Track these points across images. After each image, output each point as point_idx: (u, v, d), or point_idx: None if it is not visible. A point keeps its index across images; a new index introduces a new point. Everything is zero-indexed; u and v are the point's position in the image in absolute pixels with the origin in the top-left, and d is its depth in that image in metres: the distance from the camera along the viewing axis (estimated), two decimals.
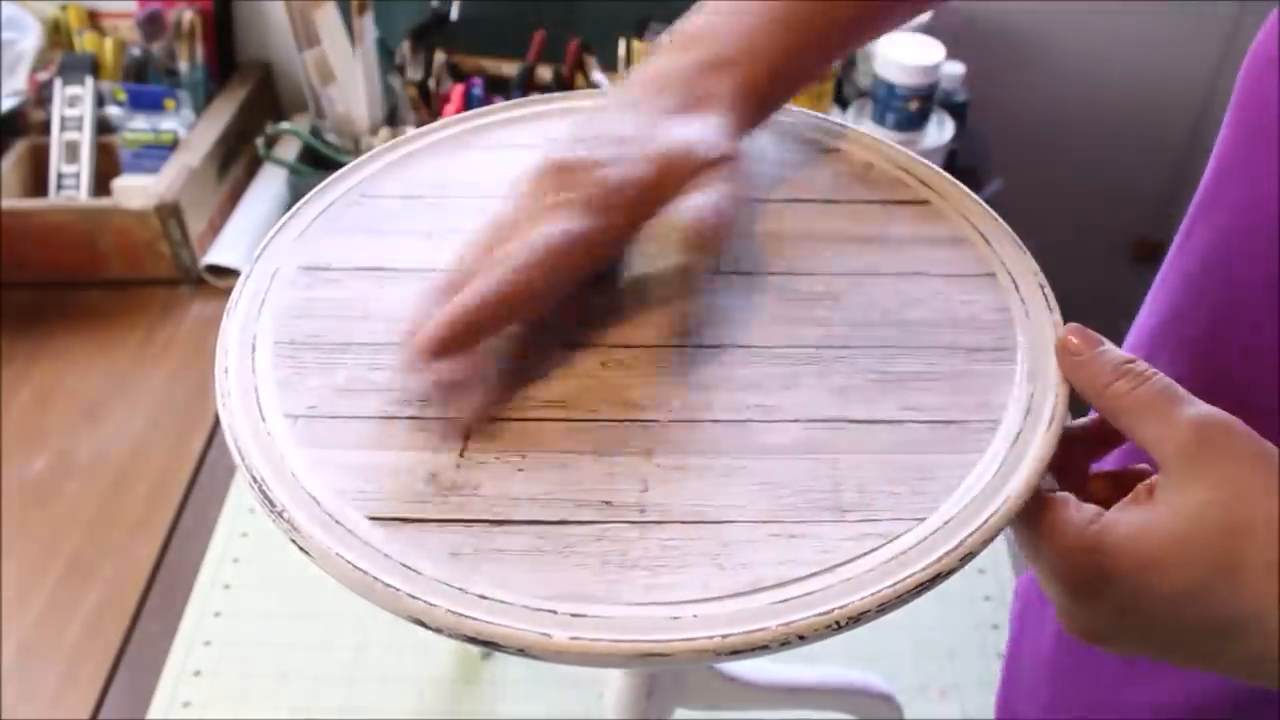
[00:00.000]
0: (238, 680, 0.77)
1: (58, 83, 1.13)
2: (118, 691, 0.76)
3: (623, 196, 0.41)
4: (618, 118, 0.44)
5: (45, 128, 1.13)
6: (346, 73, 1.15)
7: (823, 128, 0.54)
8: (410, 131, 0.55)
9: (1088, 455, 0.42)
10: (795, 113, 0.54)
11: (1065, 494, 0.37)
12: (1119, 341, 0.43)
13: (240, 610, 0.82)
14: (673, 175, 0.41)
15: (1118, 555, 0.34)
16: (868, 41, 0.53)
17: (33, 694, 0.75)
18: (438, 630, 0.33)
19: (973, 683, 0.77)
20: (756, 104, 0.46)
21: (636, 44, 1.17)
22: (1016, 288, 0.45)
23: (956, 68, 1.19)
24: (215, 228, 1.12)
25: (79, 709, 0.74)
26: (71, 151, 1.11)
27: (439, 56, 1.18)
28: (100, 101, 1.15)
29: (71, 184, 1.10)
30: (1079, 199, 1.38)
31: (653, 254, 0.45)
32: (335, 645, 0.79)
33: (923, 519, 0.36)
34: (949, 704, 0.76)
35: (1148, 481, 0.36)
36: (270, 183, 1.18)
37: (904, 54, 1.12)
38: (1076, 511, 0.36)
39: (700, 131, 0.43)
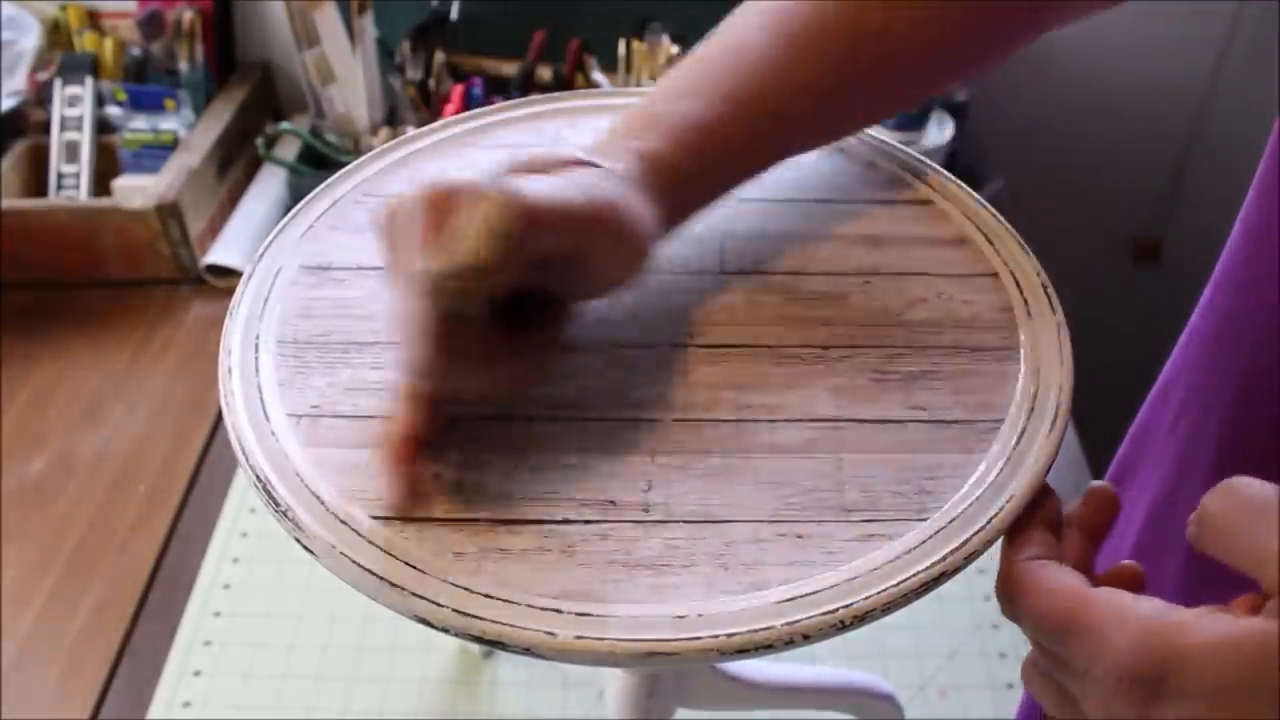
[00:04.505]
0: (238, 680, 0.77)
1: (58, 83, 1.13)
2: (118, 691, 0.76)
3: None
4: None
5: (45, 128, 1.13)
6: (346, 73, 1.15)
7: None
8: (410, 131, 0.55)
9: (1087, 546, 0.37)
10: None
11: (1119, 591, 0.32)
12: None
13: (240, 610, 0.82)
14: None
15: (1191, 662, 0.28)
16: (850, 132, 0.48)
17: (33, 694, 0.75)
18: (444, 629, 0.33)
19: (973, 683, 0.77)
20: (664, 176, 0.41)
21: (636, 44, 1.18)
22: (1019, 287, 0.45)
23: None
24: (215, 228, 1.12)
25: (79, 709, 0.74)
26: (71, 151, 1.11)
27: (439, 56, 1.18)
28: (100, 101, 1.14)
29: (71, 184, 1.10)
30: (1079, 199, 1.38)
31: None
32: (335, 645, 0.79)
33: (926, 518, 0.37)
34: (949, 704, 0.76)
35: (1246, 596, 0.30)
36: (270, 183, 1.18)
37: None
38: (1142, 601, 0.31)
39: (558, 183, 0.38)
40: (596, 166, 0.39)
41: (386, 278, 0.38)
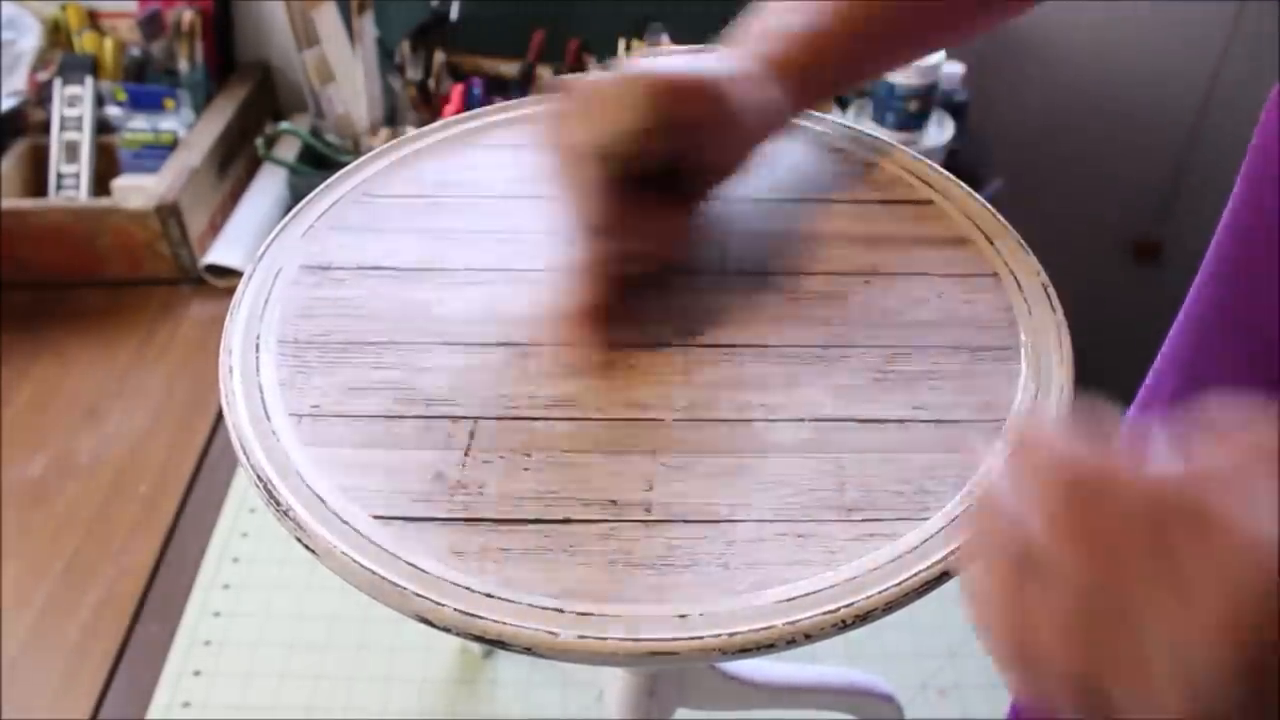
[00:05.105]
0: (238, 680, 0.77)
1: (58, 83, 1.13)
2: (118, 691, 0.76)
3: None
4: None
5: (45, 128, 1.13)
6: (346, 73, 1.15)
7: (827, 129, 0.54)
8: (410, 131, 0.55)
9: None
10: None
11: None
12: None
13: (240, 610, 0.82)
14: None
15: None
16: (935, 47, 0.53)
17: (33, 693, 0.75)
18: (445, 629, 0.33)
19: (973, 683, 0.77)
20: (778, 69, 0.46)
21: (636, 44, 1.17)
22: (1019, 287, 0.45)
23: (956, 67, 1.19)
24: (215, 228, 1.12)
25: (79, 708, 0.74)
26: (71, 151, 1.11)
27: (439, 56, 1.18)
28: (100, 101, 1.14)
29: (71, 184, 1.10)
30: (1079, 199, 1.38)
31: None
32: (335, 645, 0.79)
33: (927, 518, 0.37)
34: (949, 704, 0.76)
35: None
36: (270, 183, 1.18)
37: None
38: None
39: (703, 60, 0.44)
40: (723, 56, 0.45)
41: (550, 163, 0.43)
